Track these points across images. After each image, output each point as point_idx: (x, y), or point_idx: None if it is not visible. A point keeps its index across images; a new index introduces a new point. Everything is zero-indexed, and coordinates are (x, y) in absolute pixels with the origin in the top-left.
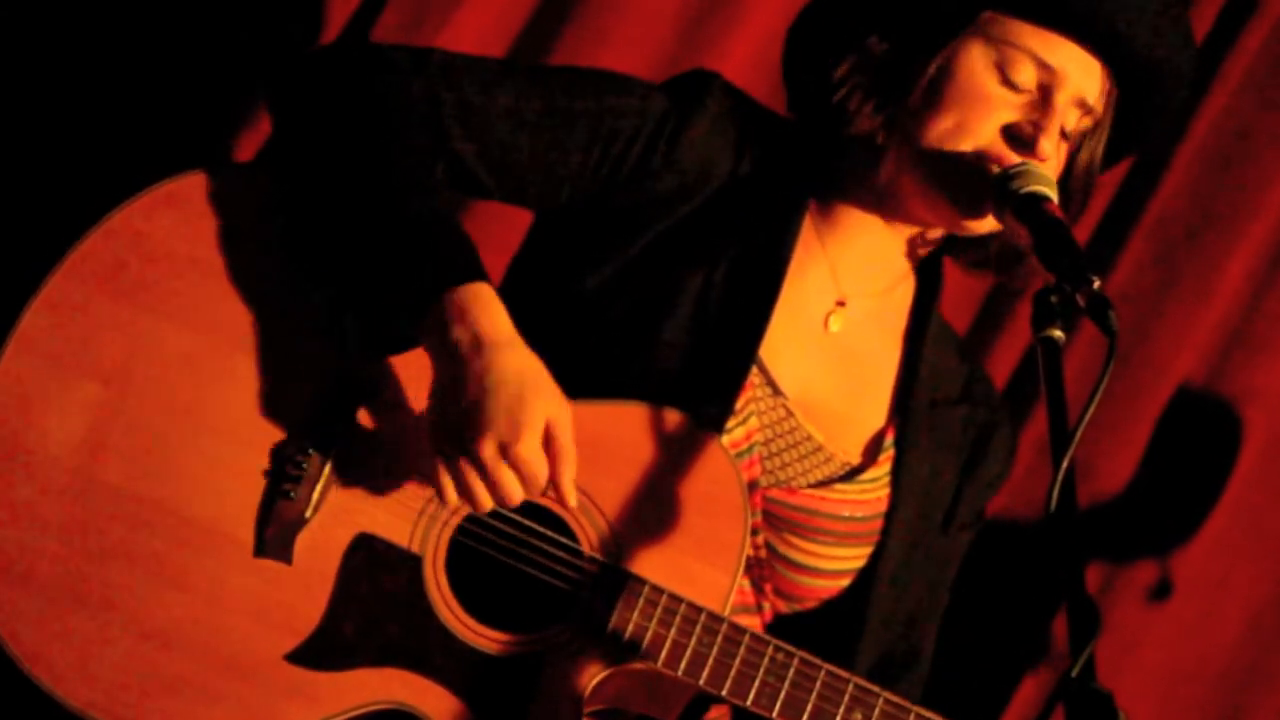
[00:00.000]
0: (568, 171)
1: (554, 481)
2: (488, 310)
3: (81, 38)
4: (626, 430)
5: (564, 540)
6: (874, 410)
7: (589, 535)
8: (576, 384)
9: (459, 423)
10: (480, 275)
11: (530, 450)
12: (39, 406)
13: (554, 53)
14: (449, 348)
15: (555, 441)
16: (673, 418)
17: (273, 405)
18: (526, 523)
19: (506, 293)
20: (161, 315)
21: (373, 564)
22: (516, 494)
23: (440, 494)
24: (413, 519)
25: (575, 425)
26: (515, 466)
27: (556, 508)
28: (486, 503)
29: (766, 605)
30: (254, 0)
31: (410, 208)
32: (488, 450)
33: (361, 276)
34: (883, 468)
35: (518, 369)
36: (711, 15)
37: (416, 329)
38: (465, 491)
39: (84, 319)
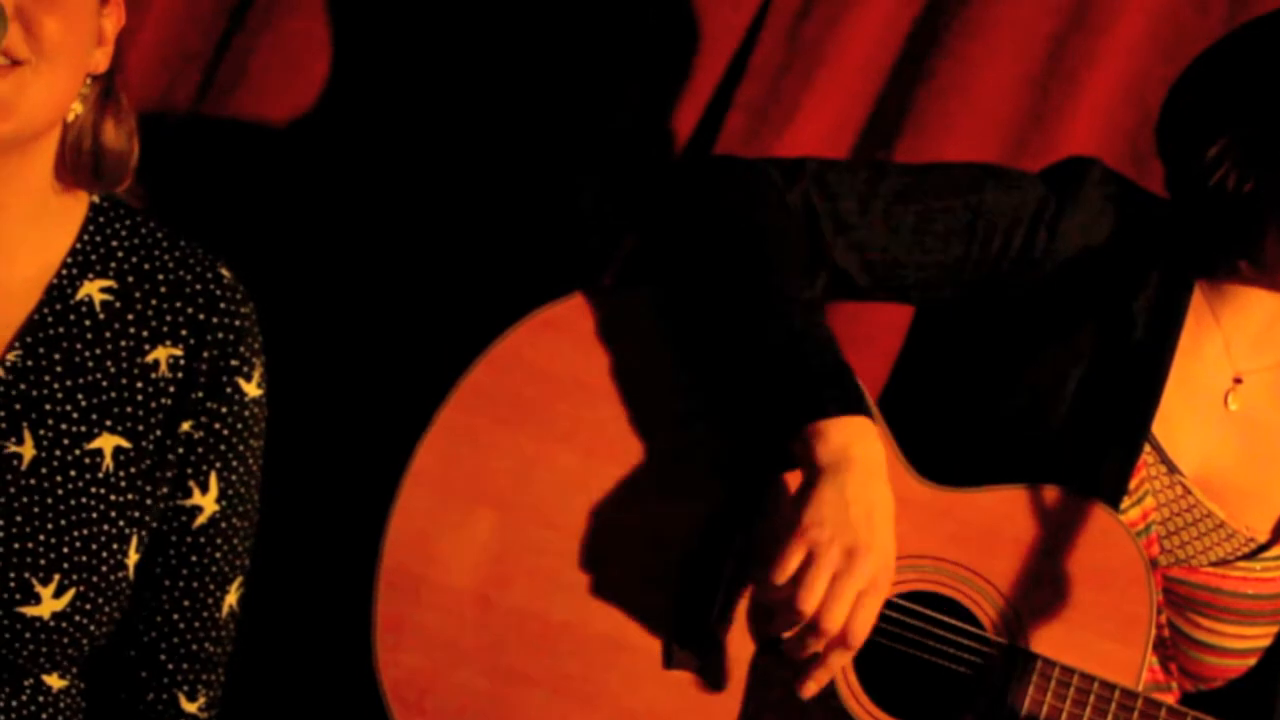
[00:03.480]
0: (949, 270)
1: (847, 630)
2: (863, 439)
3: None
4: (1019, 512)
5: (967, 626)
6: None
7: (990, 618)
8: (969, 474)
9: (803, 532)
10: (862, 408)
11: (852, 584)
12: (439, 538)
13: (896, 146)
14: (812, 463)
15: (863, 602)
16: (1064, 498)
17: (668, 520)
18: (926, 611)
19: (894, 394)
20: (549, 439)
21: (782, 668)
22: (806, 613)
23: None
24: None
25: (970, 510)
26: (832, 595)
27: (954, 593)
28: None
29: (1174, 685)
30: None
31: (793, 324)
32: (825, 562)
33: (743, 391)
34: None
35: (877, 497)
36: (1050, 93)
37: (791, 447)
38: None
39: (474, 448)
